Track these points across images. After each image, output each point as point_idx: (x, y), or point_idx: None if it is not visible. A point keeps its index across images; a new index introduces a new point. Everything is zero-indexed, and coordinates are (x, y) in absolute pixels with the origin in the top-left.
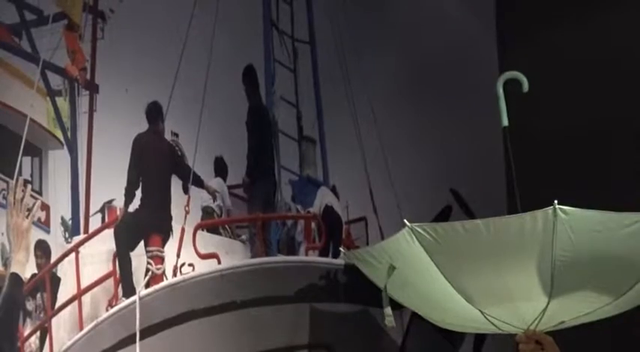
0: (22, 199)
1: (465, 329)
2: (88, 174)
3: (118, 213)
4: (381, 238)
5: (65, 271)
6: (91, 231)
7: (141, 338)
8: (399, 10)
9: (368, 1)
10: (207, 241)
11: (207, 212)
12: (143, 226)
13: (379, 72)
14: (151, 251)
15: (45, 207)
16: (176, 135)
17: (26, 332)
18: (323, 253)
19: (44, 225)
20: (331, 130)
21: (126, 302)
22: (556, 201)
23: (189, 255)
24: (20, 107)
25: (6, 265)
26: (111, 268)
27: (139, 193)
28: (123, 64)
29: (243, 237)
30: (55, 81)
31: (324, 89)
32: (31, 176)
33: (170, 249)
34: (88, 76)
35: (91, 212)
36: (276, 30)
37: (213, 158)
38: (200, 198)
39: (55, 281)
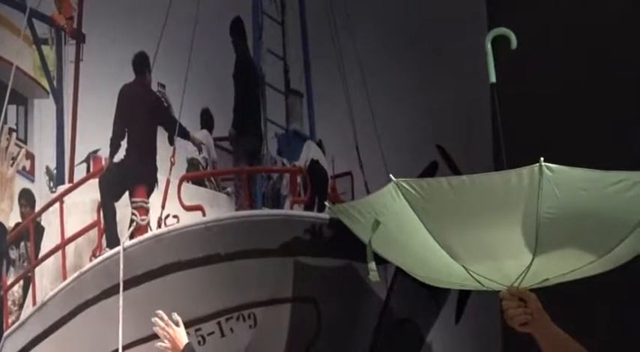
0: (6, 148)
1: (449, 286)
2: (74, 123)
3: (103, 163)
4: (366, 193)
5: (49, 220)
6: (75, 180)
7: (124, 289)
8: None
9: None
10: (192, 193)
11: (192, 164)
12: (128, 177)
13: (367, 27)
14: (136, 202)
15: (30, 156)
16: (163, 86)
17: (9, 281)
18: (308, 207)
19: (29, 173)
20: (318, 84)
21: (110, 252)
22: (542, 159)
23: (174, 207)
24: (6, 55)
25: None
26: (95, 218)
27: (124, 144)
28: (110, 13)
29: (229, 189)
30: (42, 29)
31: (312, 43)
32: (16, 125)
33: (155, 200)
34: (75, 25)
35: (76, 162)
36: None
37: (199, 110)
38: (185, 149)
39: (39, 231)
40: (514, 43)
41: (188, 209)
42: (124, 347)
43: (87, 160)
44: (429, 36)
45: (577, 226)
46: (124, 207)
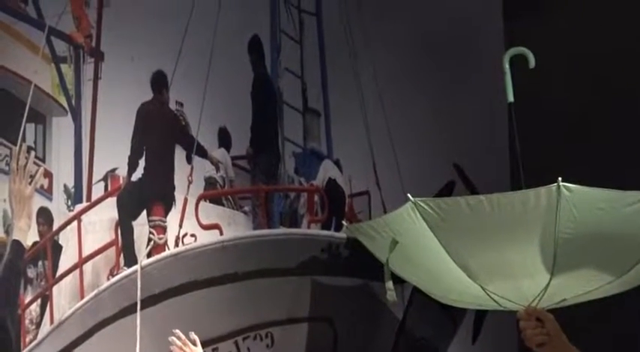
0: (24, 166)
1: (466, 305)
2: (92, 142)
3: (121, 181)
4: (383, 212)
5: (67, 239)
6: (93, 199)
7: (142, 308)
8: None
9: None
10: (210, 212)
11: (210, 182)
12: (146, 195)
13: (385, 45)
14: (154, 220)
15: (48, 175)
16: (180, 104)
17: (27, 300)
18: (325, 226)
19: (47, 192)
20: (336, 103)
21: (127, 271)
22: (560, 178)
23: (192, 226)
24: (25, 73)
25: (8, 232)
26: (113, 237)
27: (142, 162)
28: (129, 31)
29: (246, 208)
30: (61, 47)
31: (330, 61)
32: (35, 143)
33: (172, 218)
34: (94, 44)
35: (94, 180)
36: (283, 0)
37: (217, 128)
38: (203, 168)
39: (57, 249)
40: (532, 62)
41: (205, 228)
42: None
43: (105, 179)
44: (447, 55)
45: (595, 246)
46: (141, 226)
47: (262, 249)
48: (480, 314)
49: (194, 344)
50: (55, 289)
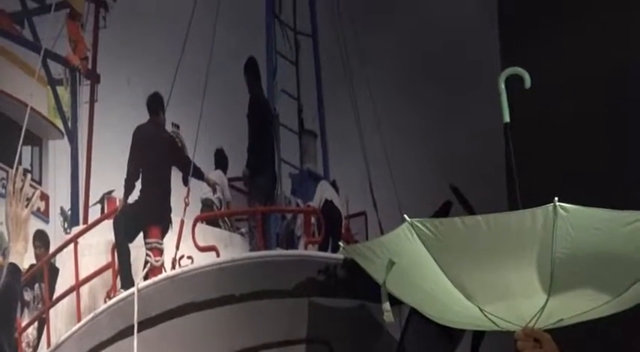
0: (21, 189)
1: (463, 326)
2: (88, 164)
3: (118, 204)
4: (380, 233)
5: (64, 262)
6: (90, 221)
7: (139, 330)
8: (401, 3)
9: None
10: (207, 234)
11: (206, 204)
12: (142, 218)
13: (381, 66)
14: (150, 242)
15: (44, 197)
16: (177, 126)
17: (24, 323)
18: (322, 247)
19: (43, 215)
20: (332, 124)
21: (124, 293)
22: (556, 198)
23: (189, 248)
24: (21, 96)
25: (4, 255)
26: (110, 259)
27: (138, 184)
28: (125, 54)
29: (243, 230)
30: (57, 70)
31: (326, 83)
32: (31, 165)
33: (169, 240)
34: (90, 66)
35: (91, 202)
36: (279, 22)
37: (213, 150)
38: (200, 190)
39: (54, 272)
40: (528, 83)
41: (202, 249)
42: None
43: (101, 201)
44: (443, 76)
45: (592, 266)
46: (138, 248)
47: (259, 270)
48: (478, 335)
49: None
50: (51, 312)
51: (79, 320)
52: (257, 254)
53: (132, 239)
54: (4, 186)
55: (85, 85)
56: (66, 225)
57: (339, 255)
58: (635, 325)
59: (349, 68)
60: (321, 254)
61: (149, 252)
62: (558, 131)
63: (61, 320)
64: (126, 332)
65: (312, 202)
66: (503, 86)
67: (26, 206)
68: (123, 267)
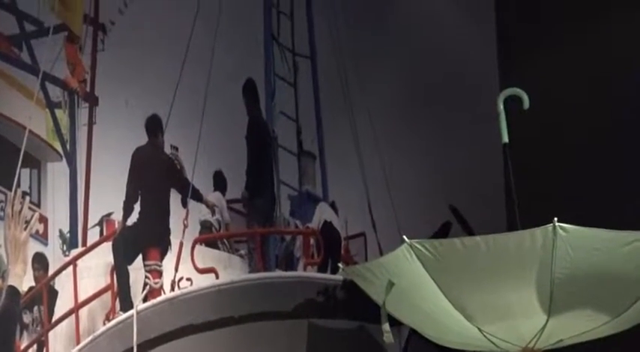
0: (20, 211)
1: (463, 347)
2: (87, 186)
3: (117, 226)
4: (379, 254)
5: (63, 284)
6: (89, 244)
7: None
8: (400, 25)
9: (369, 17)
10: (206, 255)
11: (205, 226)
12: (141, 240)
13: (380, 87)
14: (149, 265)
15: (43, 220)
16: (175, 148)
17: (23, 346)
18: (321, 269)
19: (42, 237)
20: (331, 146)
21: (123, 316)
22: (556, 219)
23: (188, 270)
24: (19, 118)
25: (3, 277)
26: (109, 281)
27: (137, 206)
28: (123, 76)
29: (242, 251)
30: (55, 93)
31: (324, 104)
32: (30, 188)
33: (168, 262)
34: (88, 89)
35: (90, 225)
36: (277, 44)
37: (212, 172)
38: (199, 212)
39: (53, 295)
40: (526, 103)
41: (201, 271)
42: None
43: (100, 223)
44: (441, 96)
45: (591, 286)
46: (137, 270)
47: (258, 292)
48: None
49: None
50: (50, 334)
51: (78, 342)
52: (256, 275)
53: (131, 261)
54: (2, 209)
55: (84, 108)
56: (65, 248)
57: (339, 276)
58: (635, 346)
59: (348, 90)
60: (321, 275)
61: (148, 274)
62: (557, 151)
63: (60, 343)
64: None
65: (311, 223)
66: (501, 107)
67: (25, 228)
68: (122, 289)
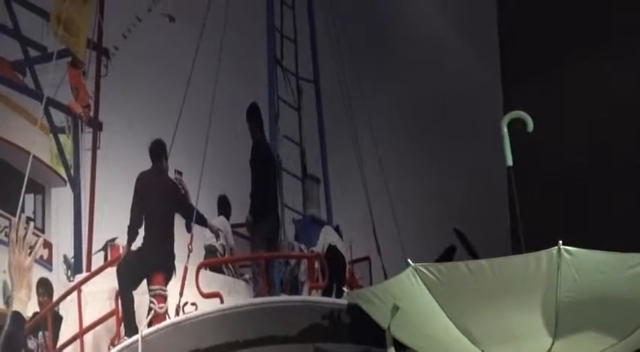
0: (24, 237)
1: None
2: (91, 211)
3: (121, 251)
4: (384, 278)
5: (67, 309)
6: (93, 269)
7: None
8: (403, 49)
9: (373, 41)
10: (210, 280)
11: (210, 251)
12: (146, 264)
13: (384, 111)
14: (154, 289)
15: (47, 245)
16: (180, 173)
17: None
18: (326, 293)
19: (46, 262)
20: (335, 169)
21: (128, 341)
22: (560, 242)
23: (192, 294)
24: (23, 144)
25: (8, 303)
26: (113, 306)
27: (141, 231)
28: (127, 101)
29: (247, 276)
30: (59, 118)
31: (328, 128)
32: (34, 213)
33: (173, 287)
34: (92, 113)
35: (94, 250)
36: (281, 68)
37: (216, 196)
38: (203, 236)
39: (57, 320)
40: (530, 126)
41: (206, 296)
42: None
43: (104, 248)
44: (445, 120)
45: (597, 309)
46: (141, 295)
47: (263, 316)
48: None
49: None
50: None
51: None
52: (261, 300)
53: (135, 286)
54: (7, 235)
55: (88, 133)
56: (69, 273)
57: (344, 300)
58: None
59: (351, 114)
60: (325, 299)
61: (153, 299)
62: (560, 174)
63: None
64: None
65: (315, 247)
66: (505, 130)
67: (29, 254)
68: (127, 314)
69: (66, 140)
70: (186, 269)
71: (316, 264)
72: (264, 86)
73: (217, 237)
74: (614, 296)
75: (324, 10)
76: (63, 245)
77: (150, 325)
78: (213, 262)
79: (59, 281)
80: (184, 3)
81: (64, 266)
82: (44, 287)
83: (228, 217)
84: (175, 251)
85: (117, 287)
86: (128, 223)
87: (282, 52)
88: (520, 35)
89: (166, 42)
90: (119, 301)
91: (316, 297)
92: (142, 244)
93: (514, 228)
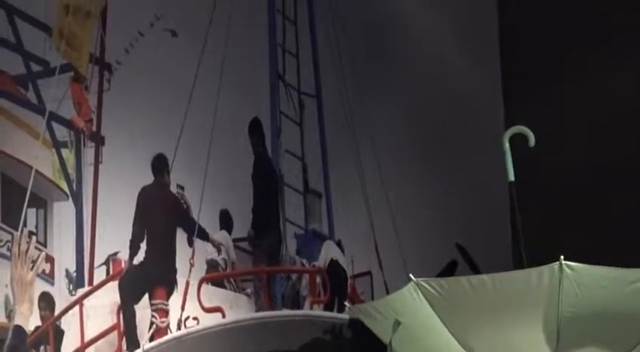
0: (26, 251)
1: None
2: (93, 226)
3: (123, 265)
4: (386, 293)
5: (69, 324)
6: (95, 283)
7: None
8: (405, 65)
9: (375, 56)
10: (212, 294)
11: (212, 265)
12: (148, 279)
13: (385, 126)
14: (156, 304)
15: (49, 259)
16: (181, 187)
17: None
18: (328, 307)
19: (48, 276)
20: (337, 184)
21: None
22: (562, 257)
23: (194, 309)
24: (26, 158)
25: (10, 317)
26: (115, 321)
27: (143, 246)
28: (129, 116)
29: (248, 290)
30: (61, 132)
31: (330, 143)
32: (36, 227)
33: (175, 301)
34: (94, 128)
35: (96, 264)
36: (283, 83)
37: (218, 211)
38: (205, 251)
39: (59, 334)
40: (532, 141)
41: (208, 310)
42: None
43: (106, 263)
44: (447, 135)
45: (598, 324)
46: (143, 309)
47: (265, 331)
48: None
49: None
50: None
51: None
52: (263, 314)
53: (137, 300)
54: (9, 249)
55: (90, 147)
56: (71, 287)
57: (345, 315)
58: None
59: (353, 129)
60: (327, 314)
61: (155, 314)
62: (562, 189)
63: None
64: None
65: (317, 262)
66: (507, 145)
67: (31, 268)
68: (128, 329)
69: (68, 154)
70: (187, 283)
71: (318, 279)
72: (266, 101)
73: (219, 251)
74: (615, 311)
75: (326, 26)
76: (65, 259)
77: (151, 339)
78: (215, 276)
79: (61, 296)
80: (186, 18)
81: (66, 281)
82: (46, 301)
83: (230, 231)
84: (177, 265)
85: (119, 302)
86: (130, 237)
87: (284, 66)
88: (521, 50)
89: (168, 57)
90: (121, 315)
91: (318, 312)
92: (144, 258)
93: (516, 242)
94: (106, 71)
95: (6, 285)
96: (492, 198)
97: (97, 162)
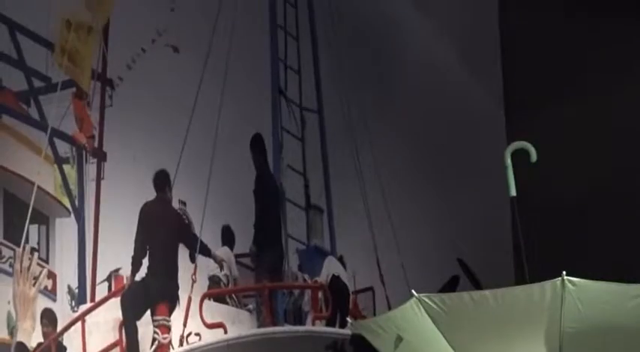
0: (28, 267)
1: None
2: (95, 242)
3: (125, 281)
4: (388, 308)
5: (71, 340)
6: (97, 299)
7: None
8: (407, 81)
9: (377, 72)
10: (214, 310)
11: (214, 281)
12: (150, 295)
13: (387, 141)
14: (158, 320)
15: (51, 275)
16: (184, 203)
17: None
18: (330, 323)
19: (51, 293)
20: (339, 199)
21: None
22: (564, 272)
23: (196, 325)
24: (27, 174)
25: (12, 334)
26: (117, 337)
27: (145, 262)
28: (131, 131)
29: (250, 306)
30: (63, 148)
31: (332, 158)
32: (38, 244)
33: (177, 318)
34: (96, 144)
35: (98, 280)
36: (285, 98)
37: (220, 227)
38: (207, 266)
39: (61, 351)
40: (534, 157)
41: (210, 326)
42: None
43: (108, 279)
44: (449, 150)
45: (601, 339)
46: (145, 326)
47: (267, 347)
48: None
49: None
50: None
51: None
52: (265, 330)
53: (139, 316)
54: (11, 265)
55: (92, 163)
56: (73, 303)
57: (347, 331)
58: None
59: (355, 144)
60: (329, 329)
61: (157, 330)
62: (564, 204)
63: None
64: None
65: (319, 278)
66: (509, 160)
67: (33, 285)
68: (130, 345)
69: (70, 170)
70: (190, 299)
71: (320, 295)
72: (268, 116)
73: (221, 267)
74: (618, 326)
75: (328, 41)
76: (67, 275)
77: None
78: (217, 292)
79: (63, 312)
80: (188, 34)
81: (68, 297)
82: (48, 317)
83: (232, 247)
84: (179, 281)
85: (121, 318)
86: (132, 253)
87: (285, 82)
88: (522, 66)
89: (170, 73)
90: (123, 331)
91: (320, 327)
92: (146, 274)
93: (517, 258)
94: (108, 87)
95: (8, 302)
96: (494, 213)
97: (98, 177)
